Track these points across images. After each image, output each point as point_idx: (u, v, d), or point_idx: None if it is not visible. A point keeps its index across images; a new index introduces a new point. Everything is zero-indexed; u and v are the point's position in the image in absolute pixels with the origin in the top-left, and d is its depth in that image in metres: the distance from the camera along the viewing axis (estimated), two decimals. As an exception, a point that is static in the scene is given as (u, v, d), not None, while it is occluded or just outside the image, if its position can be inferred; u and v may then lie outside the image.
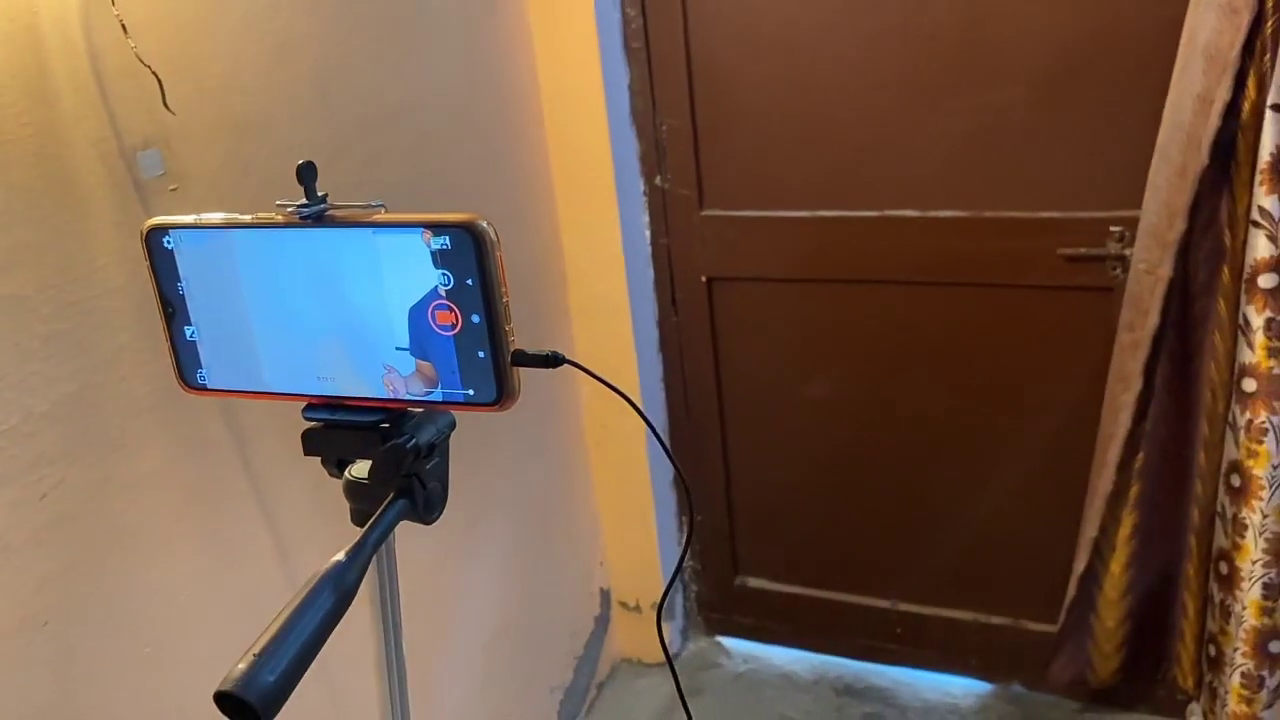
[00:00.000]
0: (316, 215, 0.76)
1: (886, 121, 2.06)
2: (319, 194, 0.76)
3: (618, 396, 0.83)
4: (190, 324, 0.83)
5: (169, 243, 0.81)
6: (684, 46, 2.16)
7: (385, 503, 0.78)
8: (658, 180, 2.28)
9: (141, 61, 1.22)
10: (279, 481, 1.52)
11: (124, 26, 1.20)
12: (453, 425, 0.84)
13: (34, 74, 1.15)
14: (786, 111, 2.13)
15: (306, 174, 0.75)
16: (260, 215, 0.78)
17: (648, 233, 2.32)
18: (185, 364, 0.85)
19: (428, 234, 0.72)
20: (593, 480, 2.47)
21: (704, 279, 2.33)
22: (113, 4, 1.19)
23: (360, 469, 0.83)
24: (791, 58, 2.08)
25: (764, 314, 2.32)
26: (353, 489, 0.83)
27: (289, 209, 0.77)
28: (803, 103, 2.11)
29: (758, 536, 2.54)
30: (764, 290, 2.30)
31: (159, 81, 1.24)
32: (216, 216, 0.78)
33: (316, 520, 1.59)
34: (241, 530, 1.48)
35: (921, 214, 2.10)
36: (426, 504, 0.80)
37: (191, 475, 1.38)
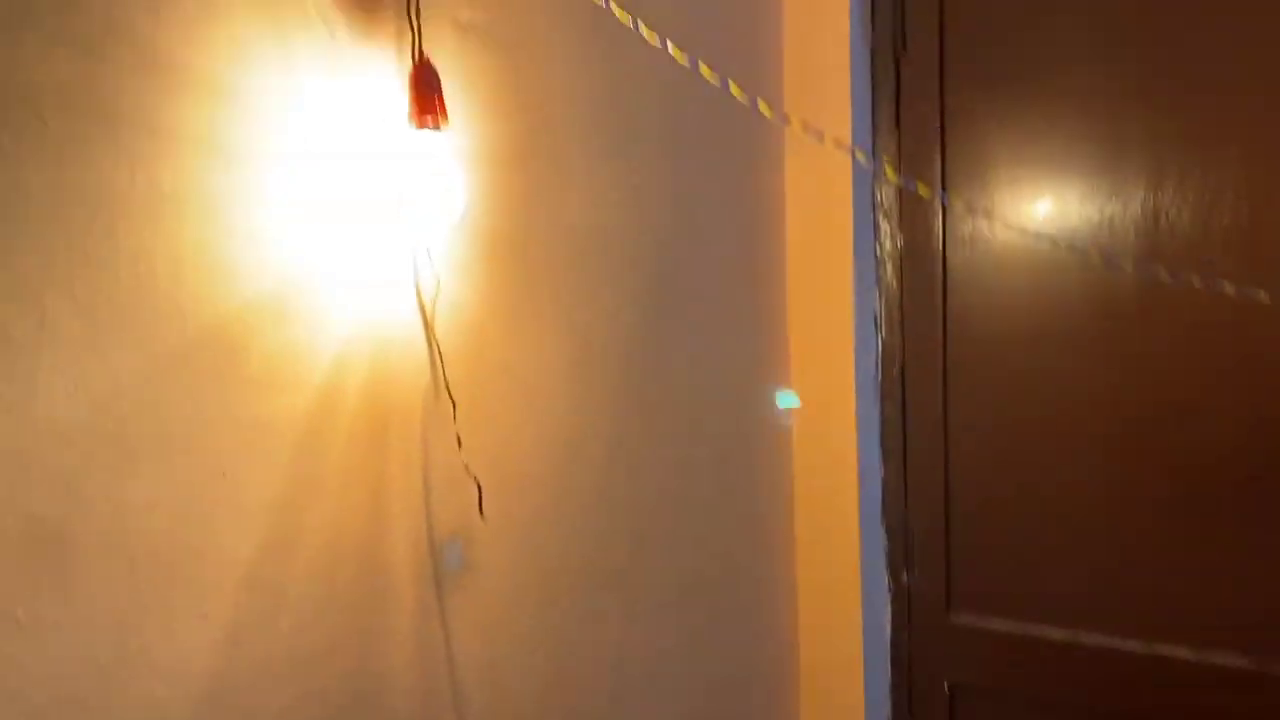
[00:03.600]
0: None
1: (1164, 536, 1.95)
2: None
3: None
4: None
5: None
6: (943, 447, 2.16)
7: None
8: (904, 578, 2.22)
9: (470, 473, 1.32)
10: None
11: (459, 440, 1.31)
12: None
13: (375, 477, 1.26)
14: (1048, 515, 2.06)
15: None
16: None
17: (888, 630, 2.24)
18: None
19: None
20: None
21: (946, 685, 2.19)
22: (454, 420, 1.31)
23: None
24: (1059, 456, 2.03)
25: (1012, 736, 2.14)
26: None
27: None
28: (1068, 505, 2.04)
29: None
30: (1018, 710, 2.13)
31: (479, 491, 1.33)
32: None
33: None
34: None
35: (1196, 657, 1.92)
36: None
37: None
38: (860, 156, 1.42)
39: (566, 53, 1.53)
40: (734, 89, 1.24)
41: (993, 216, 1.28)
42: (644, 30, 1.24)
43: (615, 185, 1.65)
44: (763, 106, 1.27)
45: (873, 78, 2.10)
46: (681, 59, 1.25)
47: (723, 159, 1.91)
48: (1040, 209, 2.00)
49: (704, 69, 1.24)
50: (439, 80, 1.22)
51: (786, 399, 1.95)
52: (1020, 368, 2.07)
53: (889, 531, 2.23)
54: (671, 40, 1.76)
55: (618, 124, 1.65)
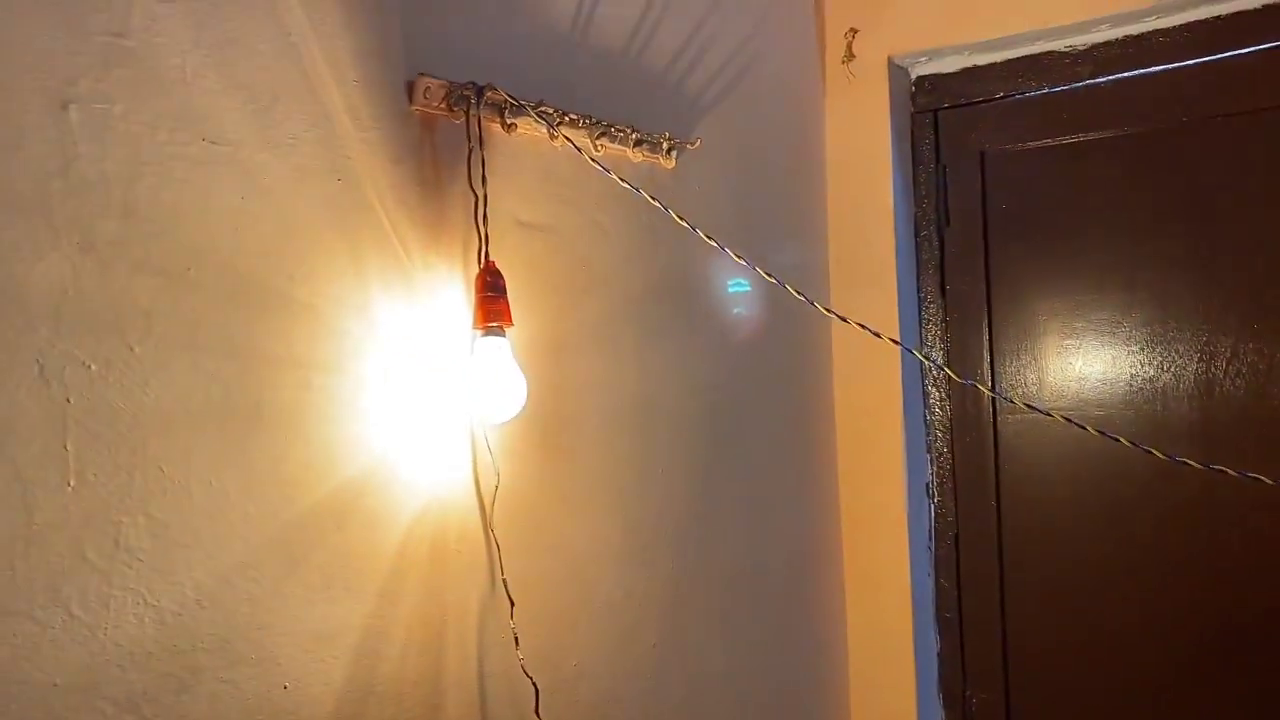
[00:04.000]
0: None
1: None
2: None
3: None
4: None
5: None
6: (1000, 618, 2.11)
7: None
8: (965, 755, 2.14)
9: (525, 673, 1.30)
10: None
11: (516, 639, 1.30)
12: None
13: (432, 681, 1.24)
14: (1111, 695, 1.99)
15: None
16: None
17: (949, 811, 2.14)
18: None
19: None
20: None
21: None
22: (511, 619, 1.30)
23: None
24: (1121, 632, 1.98)
25: None
26: None
27: None
28: (1133, 684, 1.97)
29: None
30: None
31: (536, 691, 1.31)
32: None
33: None
34: None
35: None
36: None
37: None
38: (920, 356, 1.43)
39: (623, 243, 1.57)
40: (790, 290, 1.26)
41: (1053, 415, 1.28)
42: (701, 234, 1.27)
43: (668, 365, 1.67)
44: (820, 308, 1.28)
45: (917, 251, 2.14)
46: (739, 260, 1.27)
47: (771, 332, 1.94)
48: (1092, 379, 2.00)
49: (761, 271, 1.27)
50: (504, 284, 1.26)
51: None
52: (1078, 537, 2.03)
53: (947, 708, 2.16)
54: (722, 220, 1.80)
55: (670, 306, 1.68)
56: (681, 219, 1.28)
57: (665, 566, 1.65)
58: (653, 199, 1.28)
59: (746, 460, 1.87)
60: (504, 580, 1.31)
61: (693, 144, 1.66)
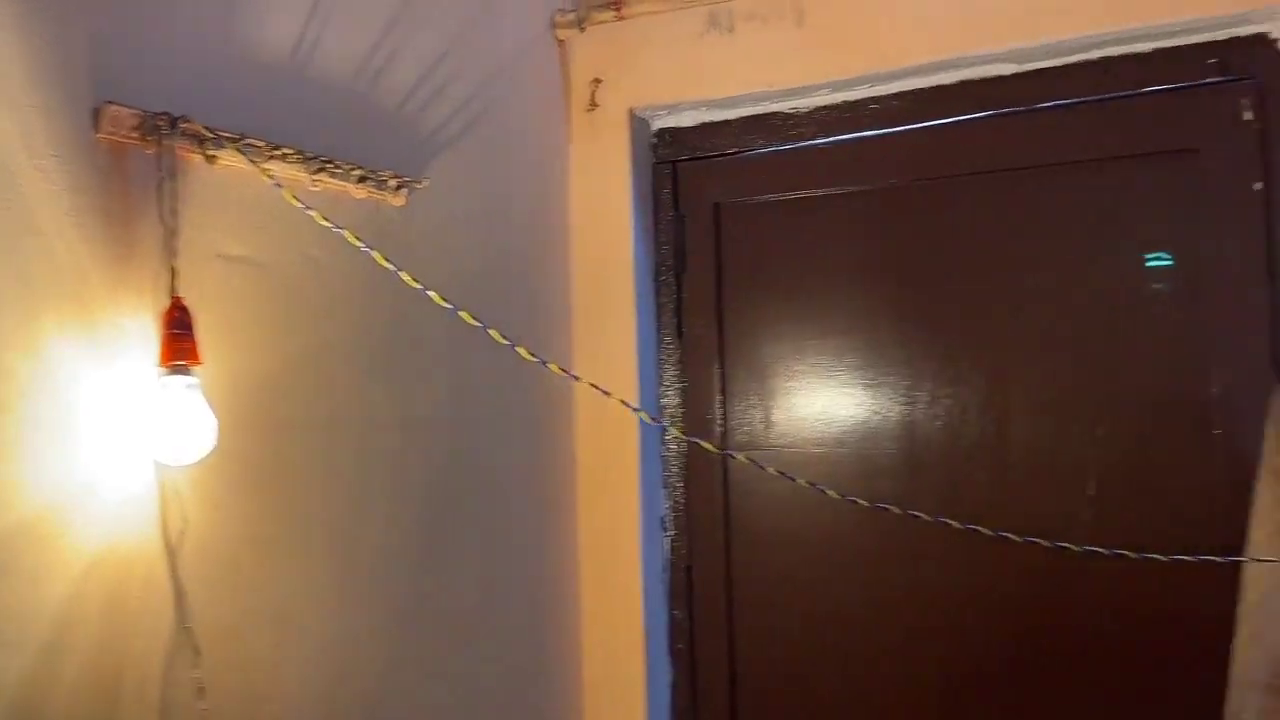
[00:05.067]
0: None
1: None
2: None
3: None
4: None
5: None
6: (728, 649, 2.19)
7: None
8: (694, 785, 2.21)
9: (209, 725, 1.26)
10: None
11: (202, 689, 1.25)
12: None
13: (103, 733, 1.18)
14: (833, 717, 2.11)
15: None
16: None
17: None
18: None
19: None
20: None
21: None
22: (196, 668, 1.25)
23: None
24: (842, 663, 2.09)
25: None
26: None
27: None
28: (852, 712, 2.09)
29: None
30: None
31: (219, 744, 1.27)
32: None
33: None
34: None
35: None
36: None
37: None
38: (646, 418, 1.49)
39: (341, 278, 1.54)
40: (523, 352, 1.28)
41: (767, 467, 1.36)
42: (405, 277, 1.28)
43: (393, 402, 1.66)
44: (553, 367, 1.32)
45: (656, 296, 2.22)
46: (471, 321, 1.28)
47: (510, 369, 1.94)
48: (810, 419, 2.13)
49: (494, 333, 1.28)
50: (191, 320, 1.22)
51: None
52: (799, 570, 2.14)
53: (678, 730, 2.23)
54: (460, 261, 1.81)
55: (396, 341, 1.67)
56: (388, 261, 1.29)
57: (385, 606, 1.63)
58: (356, 239, 1.28)
59: (482, 498, 1.87)
60: (188, 628, 1.26)
61: (420, 184, 1.67)
